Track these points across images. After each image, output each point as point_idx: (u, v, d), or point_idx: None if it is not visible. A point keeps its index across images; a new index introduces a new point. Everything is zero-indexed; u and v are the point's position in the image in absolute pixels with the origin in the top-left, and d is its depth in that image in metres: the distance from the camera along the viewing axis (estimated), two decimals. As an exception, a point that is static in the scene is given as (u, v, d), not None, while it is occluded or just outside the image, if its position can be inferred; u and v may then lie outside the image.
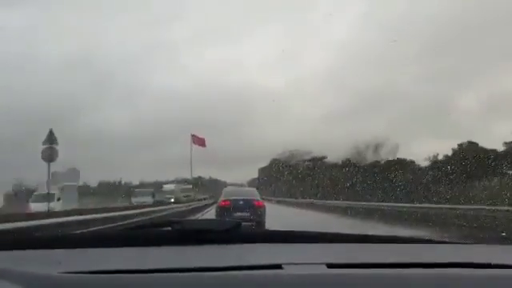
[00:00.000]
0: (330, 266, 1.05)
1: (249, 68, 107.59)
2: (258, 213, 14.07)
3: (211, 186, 59.42)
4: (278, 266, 1.02)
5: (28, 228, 7.31)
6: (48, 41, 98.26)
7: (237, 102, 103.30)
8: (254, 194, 16.32)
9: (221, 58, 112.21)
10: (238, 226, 1.40)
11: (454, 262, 1.11)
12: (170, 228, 1.42)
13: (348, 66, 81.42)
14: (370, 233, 1.70)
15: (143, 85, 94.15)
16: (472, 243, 1.66)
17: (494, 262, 1.11)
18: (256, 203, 14.76)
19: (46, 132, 17.62)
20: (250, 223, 11.70)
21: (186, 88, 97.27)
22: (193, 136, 49.31)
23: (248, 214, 13.75)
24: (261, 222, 13.41)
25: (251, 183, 69.70)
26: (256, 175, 71.13)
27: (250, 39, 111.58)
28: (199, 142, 48.87)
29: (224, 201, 15.00)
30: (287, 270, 1.01)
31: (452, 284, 1.00)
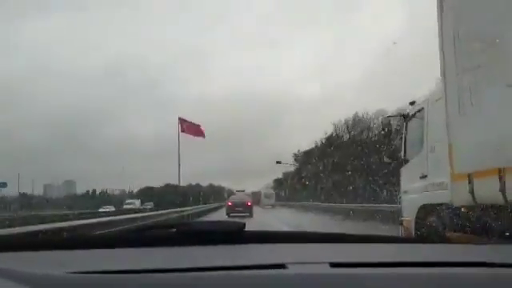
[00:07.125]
0: (334, 265, 1.06)
1: (278, 77, 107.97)
2: (248, 209, 28.46)
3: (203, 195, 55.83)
4: (282, 266, 1.03)
5: (36, 231, 7.35)
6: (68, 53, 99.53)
7: (263, 109, 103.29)
8: (247, 198, 32.17)
9: (248, 65, 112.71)
10: (242, 228, 1.41)
11: (456, 262, 1.12)
12: (175, 229, 1.44)
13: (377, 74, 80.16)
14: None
15: (168, 93, 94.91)
16: (473, 243, 1.66)
17: (495, 261, 1.11)
18: (247, 203, 29.49)
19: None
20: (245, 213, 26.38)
21: (207, 95, 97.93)
22: (181, 120, 30.38)
23: (242, 209, 27.83)
24: (250, 213, 27.60)
25: (272, 187, 75.92)
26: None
27: (279, 49, 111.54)
28: (192, 130, 30.66)
29: (230, 202, 30.15)
30: (291, 270, 1.02)
31: (455, 283, 1.01)
